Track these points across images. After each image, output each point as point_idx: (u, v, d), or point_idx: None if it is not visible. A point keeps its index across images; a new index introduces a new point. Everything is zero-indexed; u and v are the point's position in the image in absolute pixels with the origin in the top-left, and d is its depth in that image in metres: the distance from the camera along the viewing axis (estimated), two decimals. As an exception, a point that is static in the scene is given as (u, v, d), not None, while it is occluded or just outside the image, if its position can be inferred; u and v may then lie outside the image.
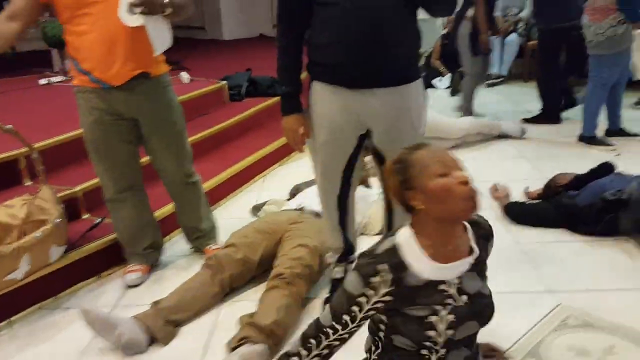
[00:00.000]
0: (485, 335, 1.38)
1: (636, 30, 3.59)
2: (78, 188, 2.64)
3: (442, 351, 1.25)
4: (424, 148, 1.25)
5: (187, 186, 2.44)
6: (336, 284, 2.12)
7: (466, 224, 1.29)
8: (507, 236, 2.63)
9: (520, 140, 4.10)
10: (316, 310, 2.09)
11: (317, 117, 1.84)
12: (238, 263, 2.20)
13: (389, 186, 1.31)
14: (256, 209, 2.95)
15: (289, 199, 2.87)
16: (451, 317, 1.22)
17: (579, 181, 2.75)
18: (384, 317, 1.26)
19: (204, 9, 7.92)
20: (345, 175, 1.92)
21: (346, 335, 1.28)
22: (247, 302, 2.14)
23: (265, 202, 2.96)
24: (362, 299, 1.22)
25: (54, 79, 4.53)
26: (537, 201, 2.91)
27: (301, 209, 2.52)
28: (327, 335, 1.28)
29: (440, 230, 1.22)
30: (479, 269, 1.31)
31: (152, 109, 2.22)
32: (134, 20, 1.98)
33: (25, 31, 2.09)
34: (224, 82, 4.31)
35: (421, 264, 1.22)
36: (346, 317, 1.24)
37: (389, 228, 2.06)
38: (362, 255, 1.26)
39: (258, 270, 2.27)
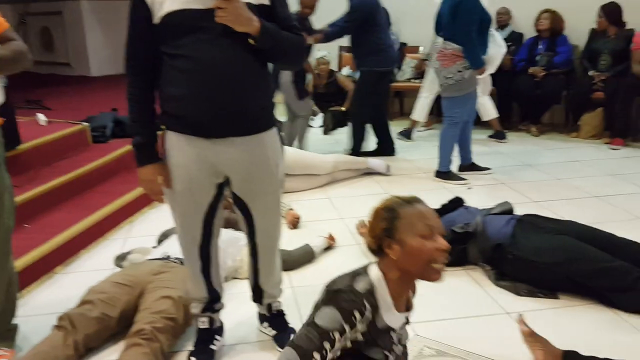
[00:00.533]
0: None
1: (479, 76, 4.00)
2: None
3: None
4: (416, 204, 1.31)
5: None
6: (202, 334, 2.08)
7: None
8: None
9: (385, 176, 4.35)
10: (181, 363, 2.03)
11: (173, 167, 1.82)
12: (93, 322, 2.07)
13: (371, 227, 1.36)
14: (120, 258, 2.82)
15: (155, 247, 2.78)
16: None
17: (433, 215, 2.97)
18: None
19: (69, 44, 7.55)
20: (206, 224, 1.91)
21: None
22: (106, 363, 2.02)
23: (130, 251, 2.84)
24: (336, 335, 1.21)
25: None
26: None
27: (167, 258, 2.45)
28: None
29: (402, 280, 1.30)
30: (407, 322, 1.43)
31: None
32: None
33: None
34: (86, 123, 4.11)
35: (388, 309, 1.29)
36: (317, 356, 1.20)
37: (255, 271, 2.08)
38: (341, 291, 1.27)
39: (119, 326, 2.15)
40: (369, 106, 4.75)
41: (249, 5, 1.68)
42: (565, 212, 3.34)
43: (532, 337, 1.96)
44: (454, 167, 4.27)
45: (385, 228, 1.30)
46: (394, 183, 4.18)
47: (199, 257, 1.97)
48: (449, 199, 3.07)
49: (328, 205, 3.74)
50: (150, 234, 3.08)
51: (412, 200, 1.34)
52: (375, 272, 1.32)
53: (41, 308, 2.42)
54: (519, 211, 2.88)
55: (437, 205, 3.04)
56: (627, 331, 2.19)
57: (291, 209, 3.44)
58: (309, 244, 2.90)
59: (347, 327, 1.23)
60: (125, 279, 2.25)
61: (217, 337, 2.11)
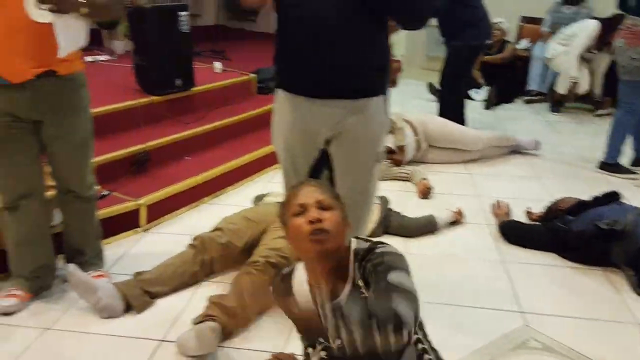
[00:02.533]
0: (437, 346, 1.40)
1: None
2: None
3: None
4: (298, 186, 1.31)
5: (82, 200, 2.20)
6: None
7: (351, 258, 1.29)
8: (494, 253, 2.63)
9: (538, 158, 4.04)
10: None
11: (279, 124, 1.84)
12: (221, 247, 2.31)
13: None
14: (258, 198, 3.06)
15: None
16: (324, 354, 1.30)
17: (580, 207, 2.71)
18: None
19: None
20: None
21: None
22: (224, 284, 2.25)
23: (267, 193, 3.07)
24: None
25: (100, 57, 4.79)
26: (534, 223, 2.88)
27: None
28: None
29: (310, 271, 1.28)
30: (359, 292, 1.26)
31: (57, 112, 2.00)
32: (42, 15, 1.77)
33: None
34: (254, 74, 4.44)
35: (302, 296, 1.29)
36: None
37: None
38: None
39: (242, 256, 2.35)
40: (462, 82, 4.38)
41: None
42: None
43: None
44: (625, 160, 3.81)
45: (280, 216, 1.31)
46: (547, 168, 3.86)
47: None
48: (603, 192, 2.77)
49: (467, 181, 3.61)
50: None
51: (298, 184, 1.32)
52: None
53: (187, 229, 2.75)
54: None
55: (588, 197, 2.77)
56: None
57: (424, 179, 3.39)
58: (433, 215, 2.85)
59: None
60: (254, 216, 2.46)
61: None
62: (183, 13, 3.58)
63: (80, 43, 1.95)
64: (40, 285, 2.20)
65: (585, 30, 4.88)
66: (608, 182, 3.53)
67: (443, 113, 4.24)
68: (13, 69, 1.88)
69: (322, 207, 1.23)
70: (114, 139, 3.15)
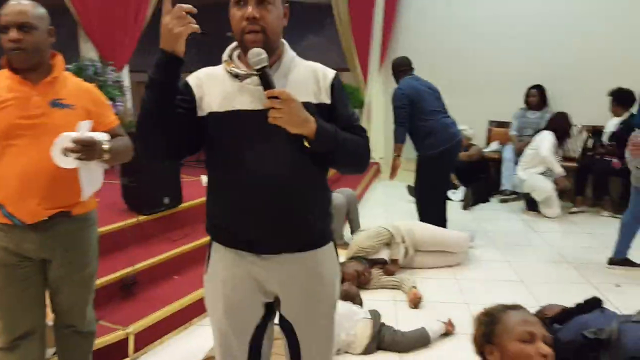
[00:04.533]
0: None
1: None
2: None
3: None
4: (516, 310, 1.36)
5: (81, 335, 2.17)
6: None
7: None
8: (486, 367, 2.63)
9: (521, 260, 4.14)
10: None
11: (217, 283, 1.65)
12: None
13: (474, 333, 1.38)
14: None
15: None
16: None
17: (565, 314, 2.76)
18: None
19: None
20: (253, 347, 1.69)
21: None
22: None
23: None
24: None
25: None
26: (523, 332, 2.91)
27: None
28: None
29: None
30: None
31: (67, 250, 2.01)
32: (67, 162, 1.84)
33: None
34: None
35: None
36: None
37: None
38: None
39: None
40: (434, 189, 4.50)
41: (307, 104, 1.50)
42: None
43: None
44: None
45: (484, 333, 1.31)
46: (529, 271, 3.94)
47: None
48: (585, 299, 2.84)
49: (455, 286, 3.66)
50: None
51: (513, 307, 1.36)
52: None
53: (176, 356, 2.70)
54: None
55: (570, 302, 2.83)
56: None
57: (414, 287, 3.44)
58: (425, 328, 2.87)
59: None
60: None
61: None
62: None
63: (99, 185, 2.01)
64: None
65: (542, 143, 5.35)
66: (588, 285, 3.61)
67: (422, 218, 4.38)
68: (27, 209, 1.90)
69: (545, 341, 1.32)
70: (102, 262, 3.14)
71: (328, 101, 1.58)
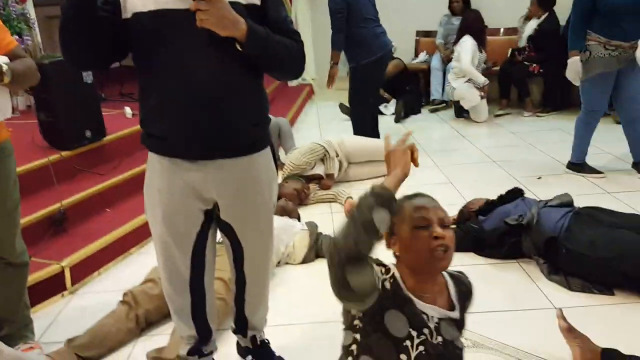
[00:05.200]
0: None
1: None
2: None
3: None
4: (418, 197, 1.29)
5: (14, 267, 2.14)
6: None
7: (447, 279, 1.35)
8: (419, 262, 2.78)
9: (449, 163, 4.31)
10: (228, 340, 2.19)
11: (154, 192, 1.62)
12: (154, 298, 2.29)
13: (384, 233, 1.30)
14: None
15: (216, 232, 2.98)
16: (421, 348, 1.24)
17: (488, 206, 2.93)
18: (358, 336, 1.28)
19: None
20: (195, 256, 1.69)
21: None
22: (163, 336, 2.23)
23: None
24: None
25: None
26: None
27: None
28: None
29: (414, 279, 1.26)
30: (458, 324, 1.33)
31: None
32: None
33: None
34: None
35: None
36: None
37: (241, 302, 1.88)
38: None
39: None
40: (366, 100, 4.51)
41: (236, 5, 1.44)
42: (638, 205, 3.15)
43: (570, 333, 1.92)
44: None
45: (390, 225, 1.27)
46: (457, 173, 4.12)
47: (189, 292, 1.75)
48: (507, 190, 3.01)
49: (388, 195, 3.77)
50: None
51: (413, 196, 1.31)
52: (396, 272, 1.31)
53: (116, 284, 2.69)
54: (588, 203, 2.76)
55: (495, 196, 2.99)
56: (685, 333, 2.07)
57: (350, 197, 3.52)
58: (360, 232, 2.96)
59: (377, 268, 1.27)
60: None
61: None
62: (84, 64, 3.52)
63: (8, 112, 1.95)
64: None
65: (462, 55, 5.38)
66: (512, 180, 3.82)
67: (356, 132, 4.42)
68: None
69: (443, 225, 1.24)
70: (27, 201, 3.02)
71: (258, 2, 1.53)
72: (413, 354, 1.23)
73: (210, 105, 1.49)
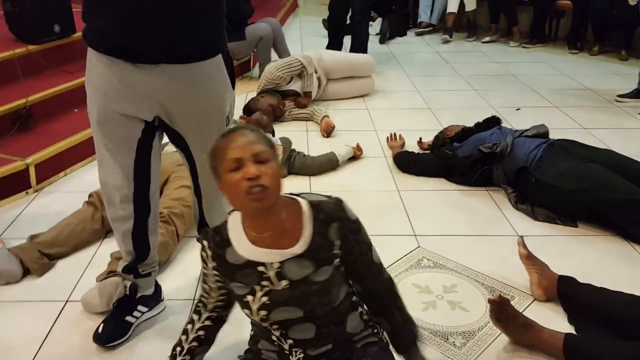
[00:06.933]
0: None
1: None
2: None
3: (276, 331, 1.27)
4: (228, 136, 1.18)
5: None
6: (121, 300, 1.79)
7: (305, 208, 1.23)
8: (390, 183, 2.80)
9: (430, 90, 4.25)
10: (194, 248, 2.20)
11: (91, 90, 1.51)
12: (120, 201, 2.26)
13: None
14: (156, 148, 2.98)
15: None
16: (265, 299, 1.22)
17: (465, 133, 2.91)
18: None
19: None
20: (139, 167, 1.58)
21: (208, 322, 1.38)
22: (128, 238, 2.22)
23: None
24: (203, 271, 1.31)
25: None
26: (425, 152, 3.07)
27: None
28: (198, 315, 1.39)
29: (250, 219, 1.21)
30: (313, 255, 1.22)
31: None
32: None
33: None
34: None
35: (241, 244, 1.23)
36: (203, 293, 1.37)
37: (200, 210, 1.79)
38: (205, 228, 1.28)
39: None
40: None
41: None
42: (612, 142, 3.18)
43: (529, 260, 1.98)
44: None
45: (212, 167, 1.21)
46: (437, 99, 4.07)
47: (133, 205, 1.63)
48: (485, 118, 2.99)
49: (365, 117, 3.73)
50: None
51: (229, 132, 1.20)
52: (235, 212, 1.28)
53: (81, 186, 2.65)
54: (562, 135, 2.75)
55: (471, 124, 2.97)
56: (638, 264, 2.15)
57: (326, 116, 3.47)
58: (333, 152, 2.94)
59: (203, 264, 1.30)
60: (152, 166, 2.39)
61: (141, 307, 1.79)
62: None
63: None
64: None
65: None
66: (491, 110, 3.79)
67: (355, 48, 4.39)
68: None
69: (258, 160, 1.14)
70: (-8, 95, 2.91)
71: None
72: (255, 307, 1.23)
73: (154, 4, 1.34)
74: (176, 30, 1.40)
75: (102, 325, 1.72)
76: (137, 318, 1.77)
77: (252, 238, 1.22)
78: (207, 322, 1.39)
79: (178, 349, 1.38)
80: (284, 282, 1.21)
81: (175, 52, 1.42)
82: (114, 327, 1.72)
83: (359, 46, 4.48)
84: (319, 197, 1.28)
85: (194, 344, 1.38)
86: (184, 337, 1.39)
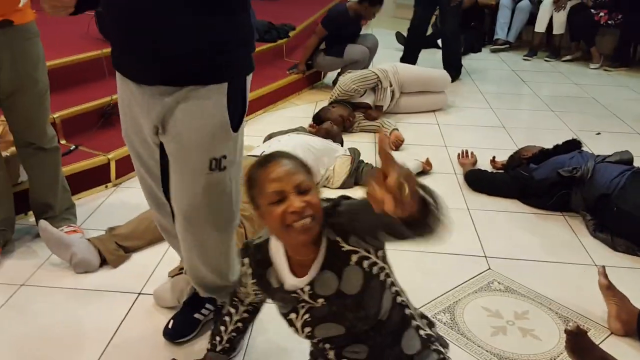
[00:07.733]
0: (408, 291, 1.36)
1: None
2: (56, 115, 2.76)
3: (330, 351, 1.26)
4: (266, 165, 1.12)
5: (46, 152, 2.18)
6: (191, 298, 1.80)
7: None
8: (460, 201, 2.72)
9: (504, 107, 4.14)
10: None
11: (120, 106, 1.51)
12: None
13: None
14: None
15: (259, 145, 2.97)
16: (306, 317, 1.22)
17: (542, 155, 2.80)
18: None
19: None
20: (167, 183, 1.51)
21: (246, 315, 1.47)
22: (199, 237, 2.27)
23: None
24: (242, 279, 1.36)
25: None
26: (498, 171, 2.98)
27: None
28: (236, 308, 1.47)
29: (292, 249, 1.19)
30: (338, 265, 1.17)
31: (13, 63, 1.97)
32: None
33: None
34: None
35: (281, 270, 1.22)
36: (240, 291, 1.43)
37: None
38: (247, 242, 1.30)
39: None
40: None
41: None
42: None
43: (609, 291, 1.87)
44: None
45: (250, 200, 1.17)
46: (512, 117, 3.95)
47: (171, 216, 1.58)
48: (564, 141, 2.87)
49: (436, 131, 3.67)
50: (261, 133, 3.27)
51: (265, 161, 1.14)
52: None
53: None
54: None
55: (547, 145, 2.86)
56: None
57: (396, 129, 3.44)
58: (403, 165, 2.90)
59: (242, 278, 1.35)
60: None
61: (208, 305, 1.80)
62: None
63: None
64: (6, 238, 2.20)
65: None
66: (569, 132, 3.64)
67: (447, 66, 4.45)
68: None
69: (300, 191, 1.09)
70: (79, 92, 3.07)
71: None
72: (299, 325, 1.25)
73: (138, 24, 1.27)
74: (165, 54, 1.29)
75: (171, 321, 1.76)
76: (205, 315, 1.80)
77: (293, 262, 1.21)
78: (245, 315, 1.47)
79: (217, 338, 1.48)
80: (320, 300, 1.20)
81: (168, 75, 1.33)
82: (183, 324, 1.76)
83: (453, 64, 4.54)
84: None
85: (233, 334, 1.48)
86: (222, 328, 1.48)
